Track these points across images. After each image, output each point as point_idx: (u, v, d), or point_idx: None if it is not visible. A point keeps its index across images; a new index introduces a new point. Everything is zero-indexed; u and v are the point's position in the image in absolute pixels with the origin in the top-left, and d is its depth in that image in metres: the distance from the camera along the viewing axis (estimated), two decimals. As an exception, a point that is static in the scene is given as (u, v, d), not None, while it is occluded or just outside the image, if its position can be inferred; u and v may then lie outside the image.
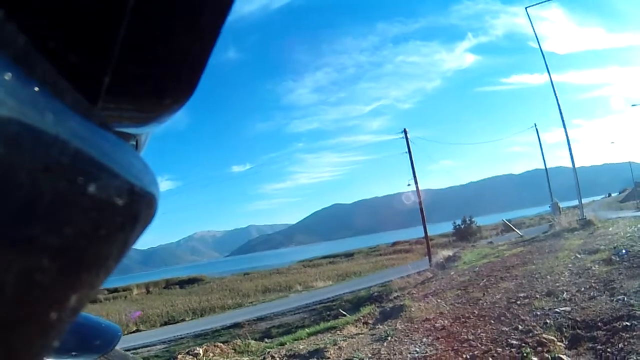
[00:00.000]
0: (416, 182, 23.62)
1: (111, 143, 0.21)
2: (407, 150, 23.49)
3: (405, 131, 23.66)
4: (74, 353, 0.56)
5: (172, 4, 0.25)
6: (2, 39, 0.17)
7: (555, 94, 17.00)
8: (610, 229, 11.97)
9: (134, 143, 0.37)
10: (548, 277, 7.08)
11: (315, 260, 44.45)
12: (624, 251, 7.59)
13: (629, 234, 9.69)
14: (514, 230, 21.37)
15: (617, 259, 7.24)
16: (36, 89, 0.17)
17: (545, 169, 25.97)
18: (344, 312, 10.15)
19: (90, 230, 0.18)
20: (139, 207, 0.21)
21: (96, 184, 0.18)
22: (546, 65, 17.40)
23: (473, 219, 34.18)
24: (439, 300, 7.81)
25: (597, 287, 5.81)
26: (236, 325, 13.50)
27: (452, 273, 11.44)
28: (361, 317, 8.48)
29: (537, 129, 26.36)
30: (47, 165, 0.16)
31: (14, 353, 0.17)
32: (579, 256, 8.39)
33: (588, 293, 5.63)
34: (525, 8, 19.70)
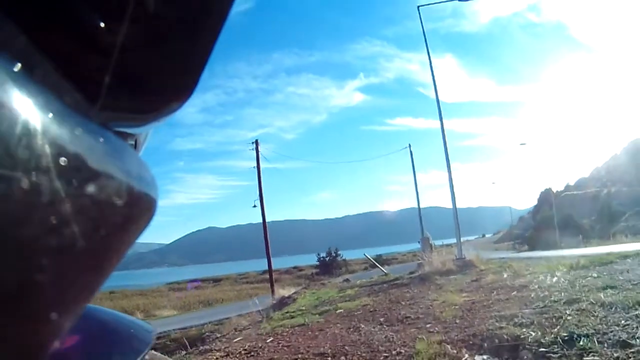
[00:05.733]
0: (262, 203, 20.08)
1: (111, 143, 0.20)
2: (261, 165, 20.02)
3: (256, 142, 20.45)
4: None
5: (172, 5, 0.25)
6: (2, 39, 0.17)
7: (444, 138, 15.16)
8: (505, 275, 7.32)
9: (133, 143, 0.37)
10: None
11: (183, 283, 43.87)
12: None
13: (565, 289, 4.81)
14: (378, 266, 17.71)
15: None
16: (36, 89, 0.17)
17: (417, 200, 22.35)
18: None
19: (89, 230, 0.18)
20: (138, 207, 0.20)
21: (95, 184, 0.18)
22: (439, 113, 15.23)
23: (339, 252, 30.96)
24: None
25: None
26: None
27: (256, 331, 5.94)
28: None
29: (411, 153, 23.03)
30: (47, 165, 0.16)
31: (14, 354, 0.16)
32: None
33: None
34: (418, 7, 16.25)
